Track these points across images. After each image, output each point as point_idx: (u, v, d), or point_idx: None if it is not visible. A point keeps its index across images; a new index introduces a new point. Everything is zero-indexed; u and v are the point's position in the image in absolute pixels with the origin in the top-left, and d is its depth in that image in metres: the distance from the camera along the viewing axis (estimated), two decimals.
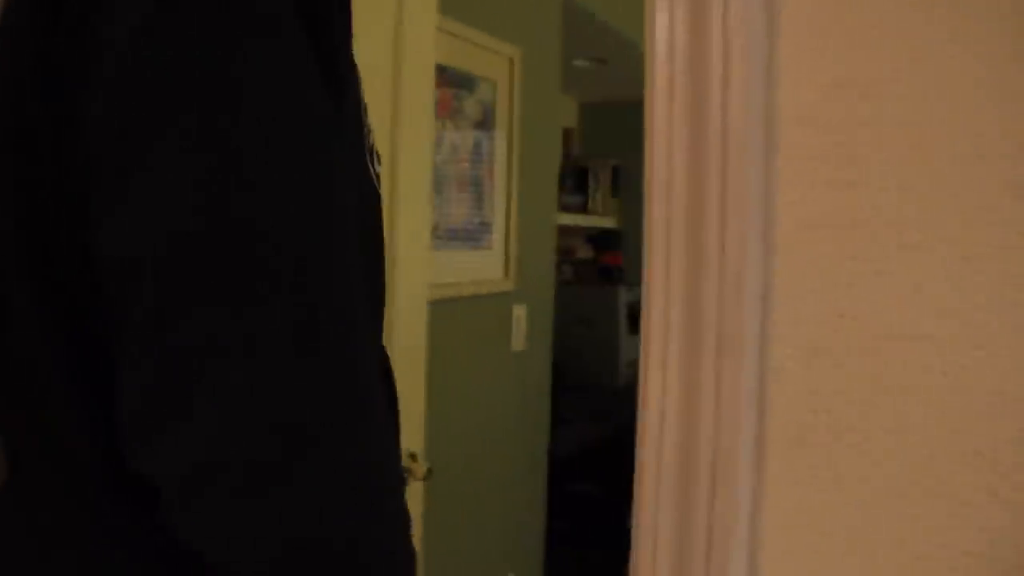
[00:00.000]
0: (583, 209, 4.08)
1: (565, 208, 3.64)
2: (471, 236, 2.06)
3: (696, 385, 0.58)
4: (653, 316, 0.62)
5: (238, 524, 0.46)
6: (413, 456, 1.41)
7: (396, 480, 0.55)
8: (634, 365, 3.74)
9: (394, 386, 0.70)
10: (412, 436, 1.45)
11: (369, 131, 0.65)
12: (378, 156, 0.68)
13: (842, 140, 0.63)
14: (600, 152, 4.14)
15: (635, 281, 4.02)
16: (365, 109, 0.64)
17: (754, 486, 0.59)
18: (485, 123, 2.03)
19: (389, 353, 0.72)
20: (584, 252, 4.19)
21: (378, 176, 0.67)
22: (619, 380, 3.50)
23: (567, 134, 3.90)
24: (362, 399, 0.50)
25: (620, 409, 3.15)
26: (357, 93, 0.61)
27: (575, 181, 3.96)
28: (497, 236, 2.20)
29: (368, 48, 1.28)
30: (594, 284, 3.94)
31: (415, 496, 1.48)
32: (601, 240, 4.21)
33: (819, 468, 0.62)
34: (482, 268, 2.11)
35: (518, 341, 2.37)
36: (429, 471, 1.41)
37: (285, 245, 0.48)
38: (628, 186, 4.17)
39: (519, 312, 2.37)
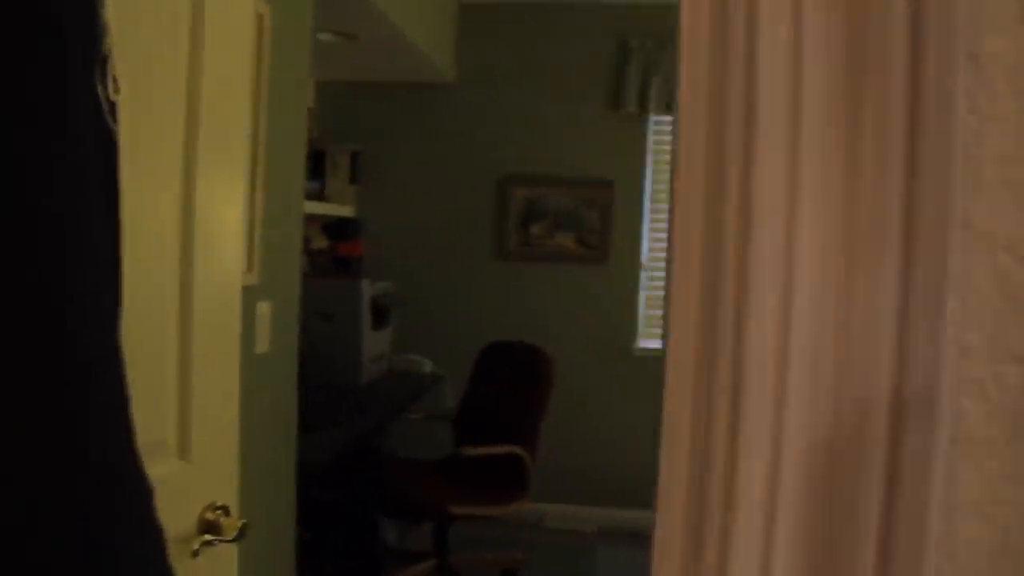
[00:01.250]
0: (320, 196, 3.84)
1: None
2: None
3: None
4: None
5: None
6: (224, 509, 1.08)
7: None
8: (378, 361, 3.58)
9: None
10: (220, 483, 1.12)
11: (102, 36, 0.48)
12: (114, 80, 0.51)
13: None
14: (337, 135, 3.91)
15: (376, 274, 3.85)
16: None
17: None
18: None
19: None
20: (320, 242, 3.94)
21: (113, 107, 0.50)
22: (363, 378, 3.32)
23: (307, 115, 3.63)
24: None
25: (365, 410, 2.98)
26: None
27: (312, 166, 3.70)
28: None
29: None
30: (332, 276, 3.72)
31: (226, 561, 1.13)
32: (338, 229, 4.00)
33: None
34: None
35: (262, 342, 2.11)
36: (243, 528, 1.06)
37: None
38: (368, 172, 3.98)
39: (263, 309, 2.11)
